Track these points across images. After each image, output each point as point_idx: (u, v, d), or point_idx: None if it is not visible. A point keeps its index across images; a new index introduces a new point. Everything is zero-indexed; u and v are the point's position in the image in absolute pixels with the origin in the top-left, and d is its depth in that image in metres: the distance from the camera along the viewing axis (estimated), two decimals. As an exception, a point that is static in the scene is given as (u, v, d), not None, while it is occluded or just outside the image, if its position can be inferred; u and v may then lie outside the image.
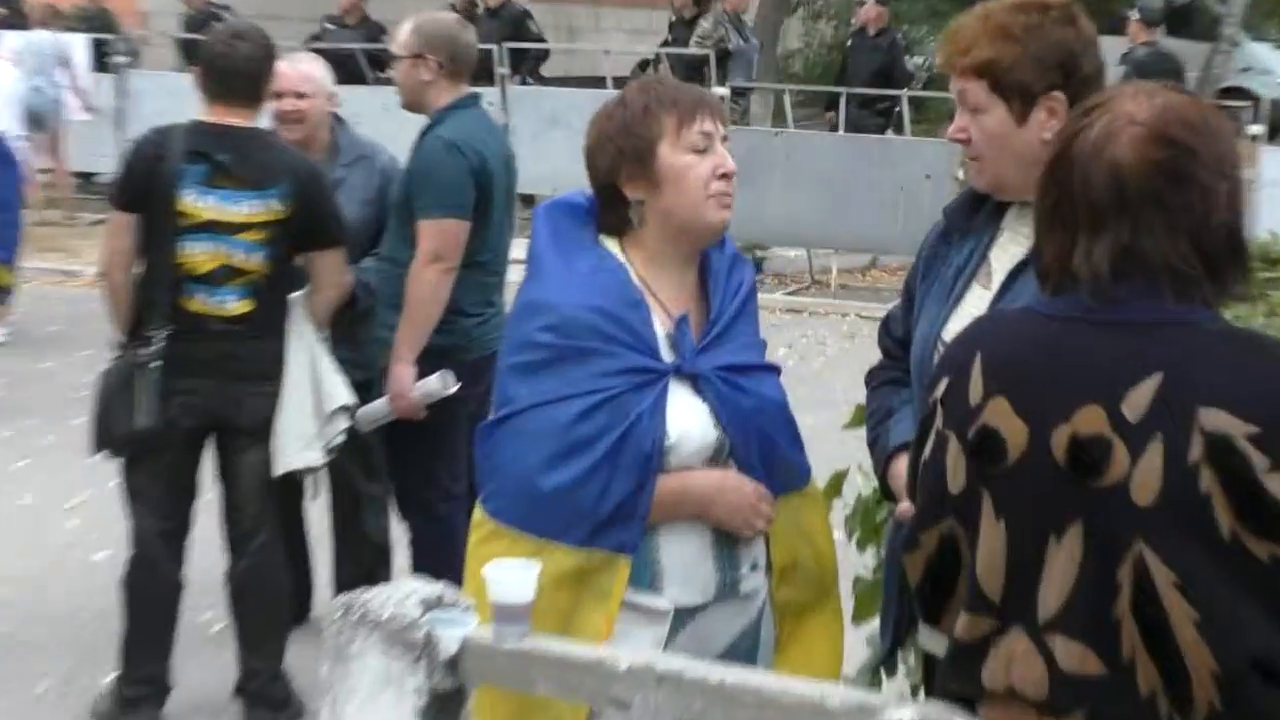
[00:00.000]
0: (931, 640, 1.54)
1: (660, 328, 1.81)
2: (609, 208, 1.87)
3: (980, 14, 1.78)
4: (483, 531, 1.82)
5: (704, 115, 1.80)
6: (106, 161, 7.84)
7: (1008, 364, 1.41)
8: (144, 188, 3.20)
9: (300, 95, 3.36)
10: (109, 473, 4.10)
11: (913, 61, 10.86)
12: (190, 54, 8.47)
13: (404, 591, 1.66)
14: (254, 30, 3.37)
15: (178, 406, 3.18)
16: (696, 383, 1.79)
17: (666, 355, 1.79)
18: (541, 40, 9.98)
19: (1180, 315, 1.35)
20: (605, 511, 1.75)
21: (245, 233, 3.23)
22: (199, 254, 3.18)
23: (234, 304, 3.22)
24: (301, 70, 3.42)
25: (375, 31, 8.72)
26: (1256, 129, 8.11)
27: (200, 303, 3.20)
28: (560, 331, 1.80)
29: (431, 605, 1.61)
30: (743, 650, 1.88)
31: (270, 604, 3.41)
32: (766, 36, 9.75)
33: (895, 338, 1.93)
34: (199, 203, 3.18)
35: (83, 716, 3.37)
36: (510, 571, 1.52)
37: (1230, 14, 12.72)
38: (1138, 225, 1.36)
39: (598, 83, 8.79)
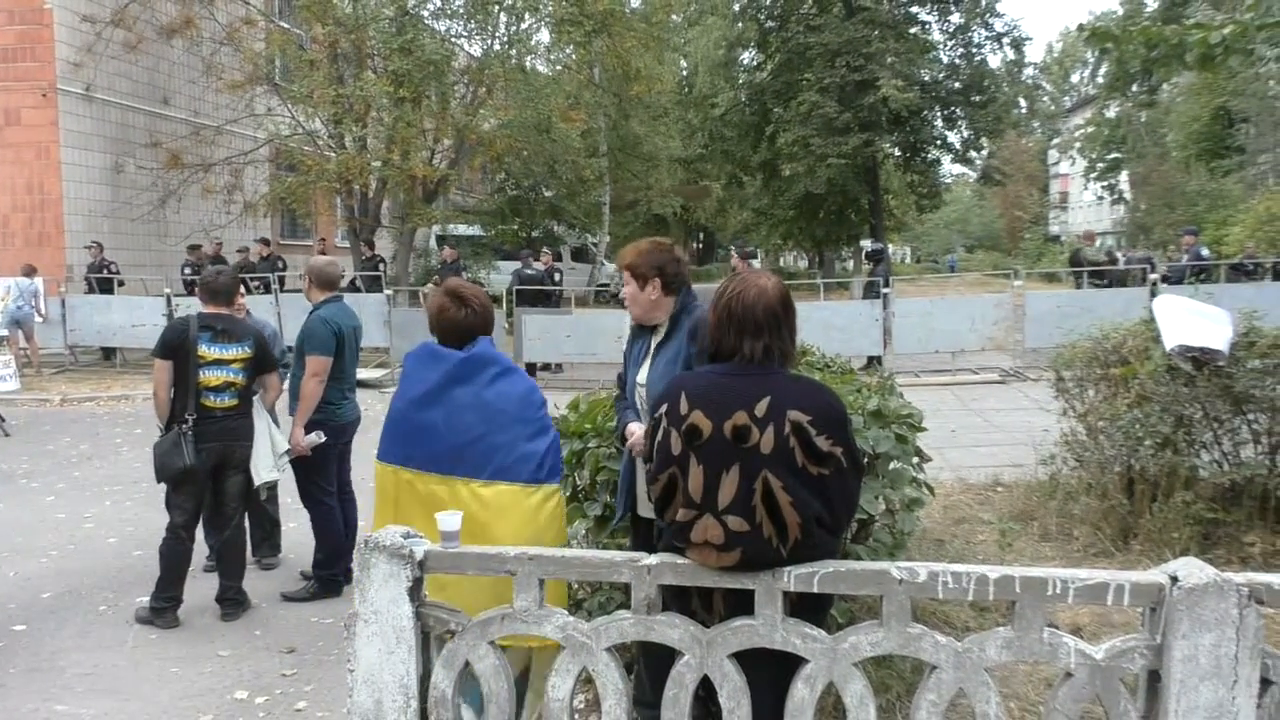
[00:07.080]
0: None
1: None
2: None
3: (637, 246, 2.81)
4: (401, 478, 2.60)
5: None
6: (55, 344, 13.22)
7: (699, 394, 1.99)
8: (178, 345, 3.96)
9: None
10: (100, 499, 6.25)
11: (465, 275, 15.63)
12: (100, 285, 13.90)
13: (393, 531, 2.26)
14: (229, 269, 4.50)
15: (202, 455, 3.95)
16: None
17: None
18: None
19: (777, 370, 2.01)
20: None
21: (233, 364, 4.05)
22: (210, 376, 3.97)
23: (228, 401, 4.04)
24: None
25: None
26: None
27: (211, 401, 3.99)
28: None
29: (406, 536, 2.21)
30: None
31: (237, 554, 4.22)
32: (401, 271, 16.47)
33: (620, 386, 2.84)
34: (209, 350, 4.00)
35: (130, 620, 4.10)
36: (449, 515, 2.22)
37: (598, 251, 23.46)
38: (773, 333, 2.04)
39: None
